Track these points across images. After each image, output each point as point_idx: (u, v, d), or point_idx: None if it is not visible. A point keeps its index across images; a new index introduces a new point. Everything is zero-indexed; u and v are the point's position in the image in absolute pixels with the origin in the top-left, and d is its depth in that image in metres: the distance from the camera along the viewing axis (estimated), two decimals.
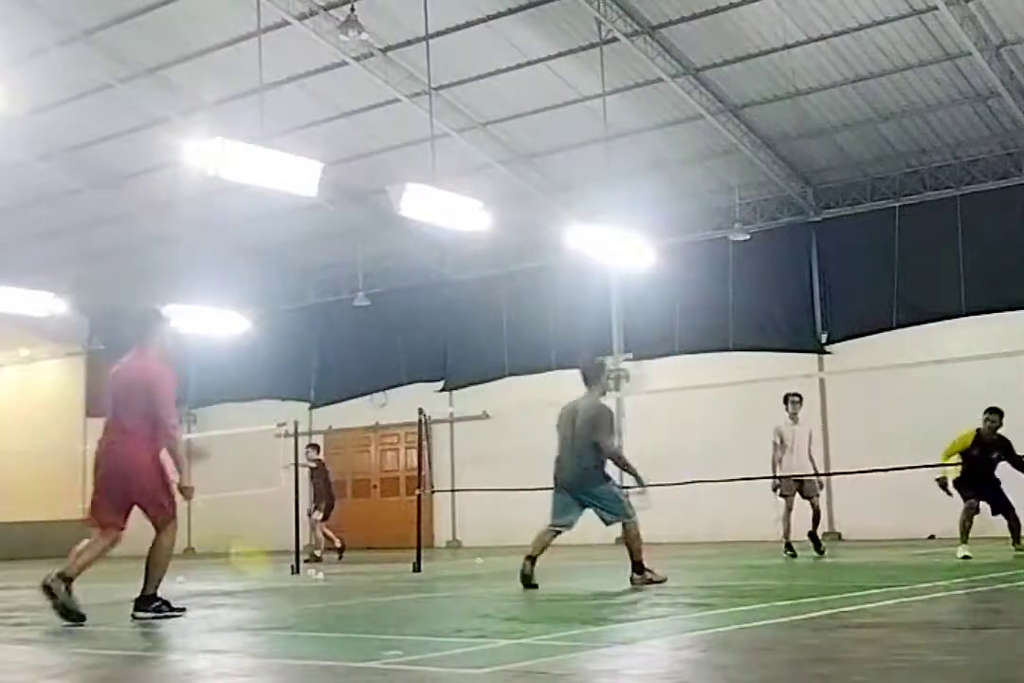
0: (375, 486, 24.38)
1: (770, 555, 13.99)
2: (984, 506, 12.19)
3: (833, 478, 16.41)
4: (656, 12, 16.32)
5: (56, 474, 27.06)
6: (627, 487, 9.74)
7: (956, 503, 12.13)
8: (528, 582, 9.30)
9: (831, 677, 4.45)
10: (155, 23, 17.11)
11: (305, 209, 20.63)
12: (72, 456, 26.88)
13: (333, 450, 23.62)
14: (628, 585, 9.20)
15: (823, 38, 16.39)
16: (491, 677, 4.60)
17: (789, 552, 13.54)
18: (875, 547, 15.63)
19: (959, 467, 12.19)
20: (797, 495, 13.74)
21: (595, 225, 17.40)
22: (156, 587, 7.54)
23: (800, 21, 16.07)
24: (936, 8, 15.08)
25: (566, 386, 22.03)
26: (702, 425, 19.46)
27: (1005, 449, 12.15)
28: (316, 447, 18.89)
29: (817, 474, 14.11)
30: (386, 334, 23.66)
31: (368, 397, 24.12)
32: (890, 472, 13.01)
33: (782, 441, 13.79)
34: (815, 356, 19.58)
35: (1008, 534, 12.33)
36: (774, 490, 13.78)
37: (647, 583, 9.18)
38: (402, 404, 20.28)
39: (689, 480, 13.69)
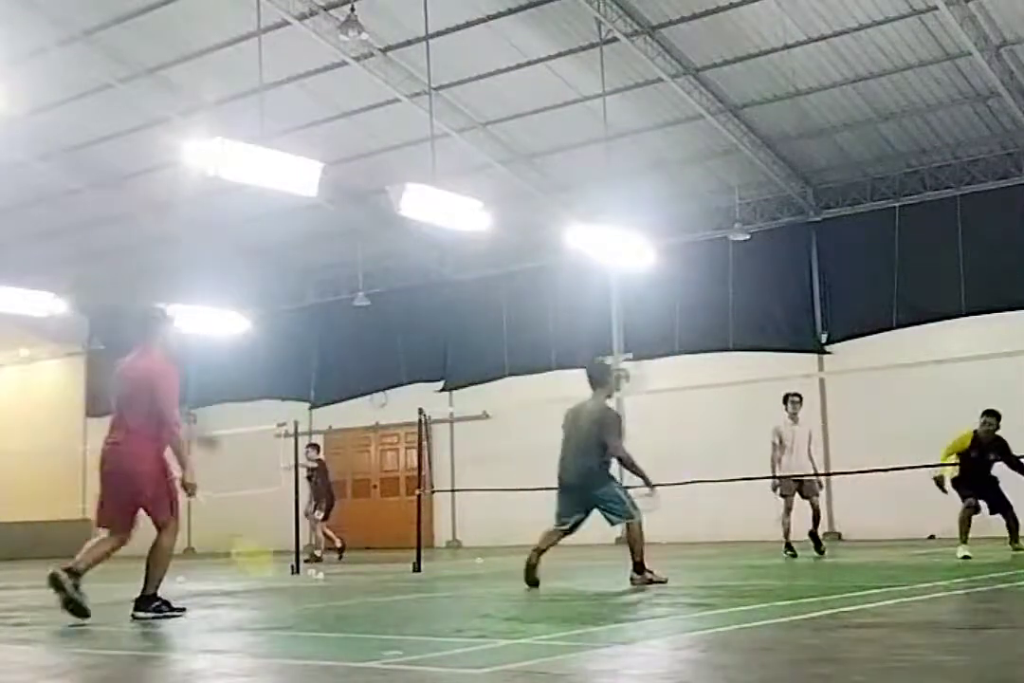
0: (375, 486, 24.38)
1: (770, 555, 13.99)
2: (983, 506, 12.19)
3: (833, 478, 16.42)
4: (656, 12, 16.33)
5: (56, 474, 27.09)
6: (630, 487, 9.73)
7: (956, 503, 12.13)
8: (532, 573, 9.36)
9: (831, 677, 4.45)
10: (155, 23, 17.12)
11: (305, 209, 20.64)
12: (72, 456, 26.93)
13: (333, 450, 23.62)
14: (628, 585, 9.20)
15: (823, 38, 16.40)
16: (491, 677, 4.59)
17: (789, 552, 13.54)
18: (875, 547, 15.63)
19: (957, 467, 12.20)
20: (797, 495, 13.75)
21: (595, 225, 17.41)
22: (156, 587, 7.54)
23: (800, 21, 16.08)
24: (936, 8, 15.08)
25: (566, 386, 22.02)
26: (702, 425, 19.46)
27: (1001, 450, 12.16)
28: (316, 447, 18.90)
29: (817, 474, 14.11)
30: (386, 334, 23.67)
31: (368, 397, 24.13)
32: (890, 472, 13.01)
33: (781, 441, 13.79)
34: (815, 356, 19.58)
35: (1006, 533, 12.34)
36: (773, 490, 13.78)
37: (647, 583, 9.17)
38: (402, 404, 20.27)
39: (689, 480, 13.68)
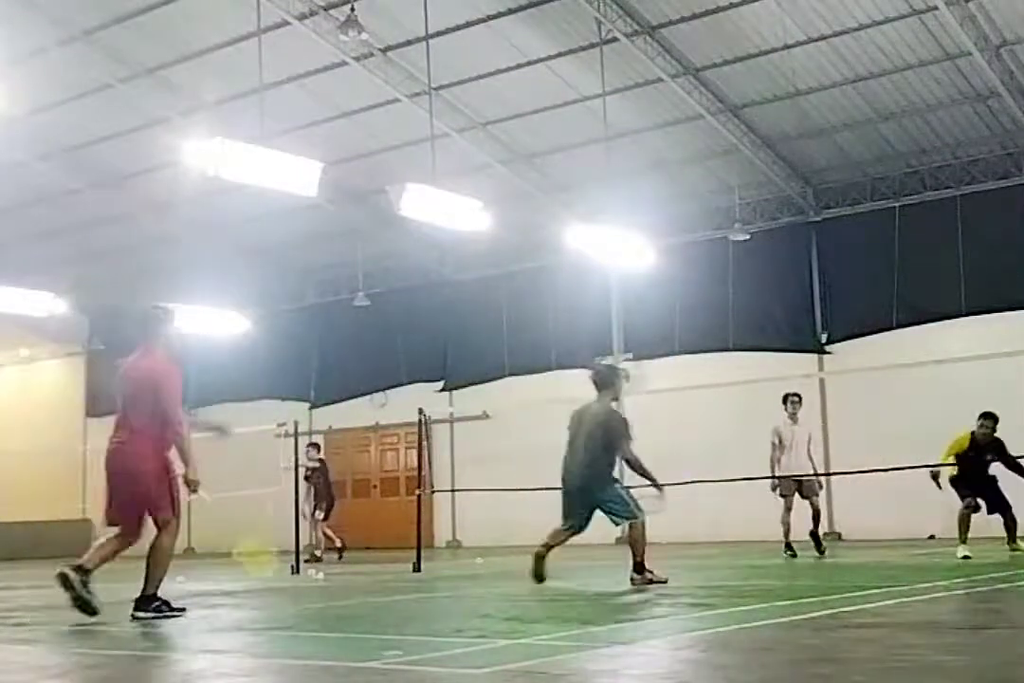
0: (375, 486, 24.38)
1: (770, 555, 13.99)
2: (983, 505, 12.20)
3: (833, 478, 16.42)
4: (656, 12, 16.33)
5: (56, 474, 27.11)
6: (633, 487, 9.73)
7: (955, 503, 12.14)
8: (539, 566, 9.41)
9: (831, 677, 4.45)
10: (155, 23, 17.12)
11: (305, 209, 20.63)
12: (72, 456, 26.96)
13: (333, 450, 23.62)
14: (628, 585, 9.20)
15: (823, 38, 16.40)
16: (491, 677, 4.60)
17: (789, 552, 13.55)
18: (875, 547, 15.64)
19: (955, 467, 12.21)
20: (796, 495, 13.75)
21: (595, 225, 17.41)
22: (156, 587, 7.54)
23: (800, 21, 16.08)
24: (936, 8, 15.08)
25: (566, 386, 22.08)
26: (702, 425, 19.46)
27: (998, 450, 12.18)
28: (317, 446, 18.90)
29: (817, 474, 14.11)
30: (386, 334, 23.66)
31: (368, 397, 24.12)
32: (890, 472, 13.01)
33: (780, 441, 13.80)
34: (815, 356, 19.58)
35: (1005, 534, 12.35)
36: (773, 490, 13.79)
37: (647, 583, 9.18)
38: (402, 404, 20.27)
39: (689, 480, 13.68)
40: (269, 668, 5.32)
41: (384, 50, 17.56)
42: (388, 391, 23.72)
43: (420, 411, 13.73)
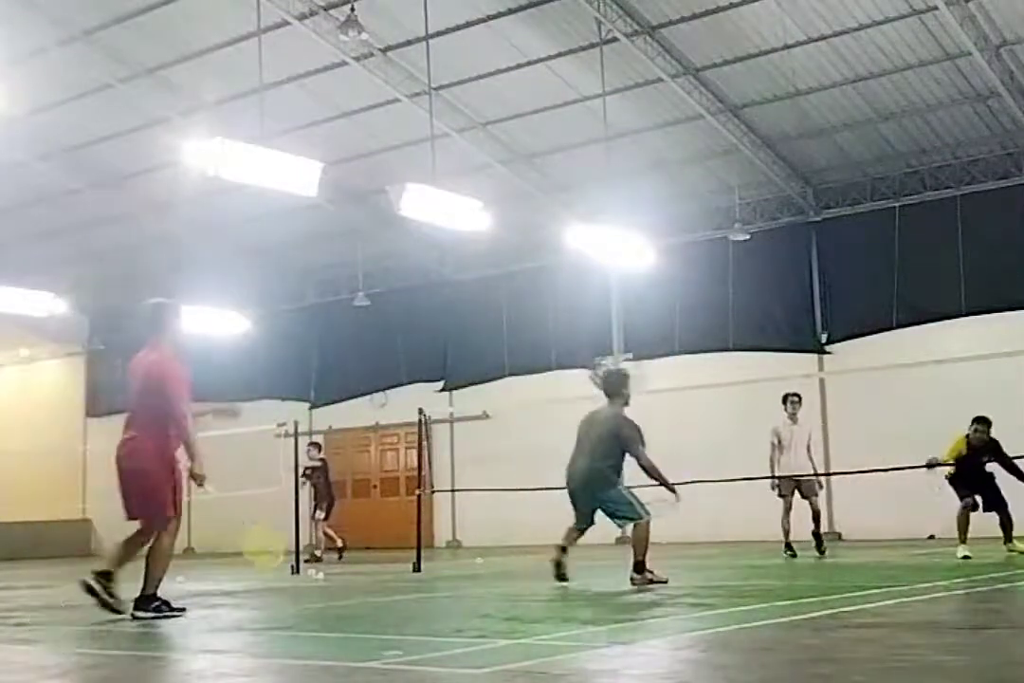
0: (375, 486, 24.38)
1: (770, 555, 14.00)
2: (980, 503, 12.21)
3: (833, 478, 16.41)
4: (656, 12, 16.33)
5: (56, 474, 27.11)
6: (633, 487, 9.75)
7: (955, 503, 12.14)
8: (559, 570, 9.49)
9: (831, 677, 4.45)
10: (155, 23, 17.12)
11: (305, 209, 20.63)
12: (72, 456, 26.96)
13: (333, 450, 23.58)
14: (628, 585, 9.20)
15: (823, 38, 16.39)
16: (491, 677, 4.60)
17: (789, 552, 13.55)
18: (875, 547, 15.63)
19: (952, 467, 12.23)
20: (796, 495, 13.75)
21: (595, 225, 17.40)
22: (156, 587, 7.55)
23: (800, 21, 16.07)
24: (936, 8, 15.08)
25: (566, 386, 22.08)
26: (702, 425, 19.45)
27: (995, 451, 12.19)
28: (318, 446, 18.88)
29: (816, 474, 14.11)
30: (386, 334, 23.66)
31: (368, 397, 24.12)
32: (890, 472, 13.02)
33: (780, 441, 13.80)
34: (815, 356, 19.58)
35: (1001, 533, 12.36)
36: (773, 489, 13.80)
37: (647, 583, 9.18)
38: (402, 404, 20.27)
39: (689, 480, 13.67)
40: (269, 668, 5.33)
41: (384, 50, 17.56)
42: (388, 391, 23.72)
43: (420, 411, 13.73)
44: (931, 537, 16.86)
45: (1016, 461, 12.09)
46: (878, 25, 15.99)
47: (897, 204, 19.15)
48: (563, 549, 9.61)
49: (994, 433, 12.32)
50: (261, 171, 13.07)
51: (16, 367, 29.71)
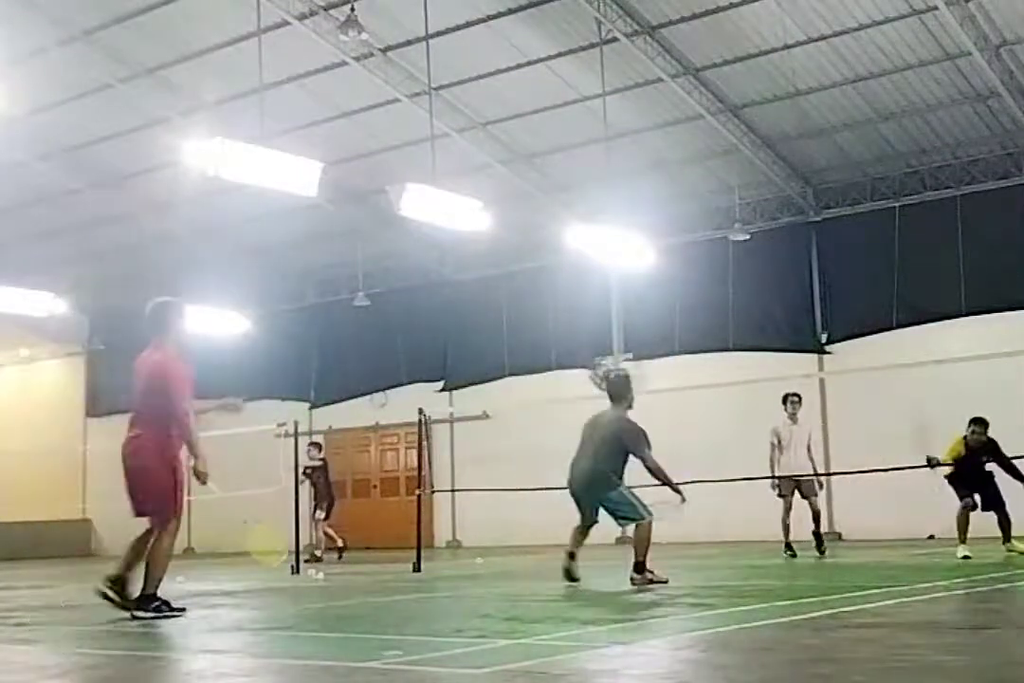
0: (375, 486, 24.38)
1: (770, 555, 14.00)
2: (979, 501, 12.22)
3: (833, 478, 16.41)
4: (656, 12, 16.33)
5: (56, 474, 27.11)
6: (633, 488, 9.77)
7: (955, 503, 12.14)
8: (570, 576, 9.54)
9: (831, 677, 4.45)
10: (155, 23, 17.12)
11: (305, 209, 20.63)
12: (72, 456, 26.96)
13: (333, 450, 23.57)
14: (628, 585, 9.21)
15: (823, 38, 16.39)
16: (491, 677, 4.60)
17: (789, 552, 13.55)
18: (875, 547, 15.64)
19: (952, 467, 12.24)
20: (796, 495, 13.76)
21: (595, 225, 17.40)
22: (156, 587, 7.56)
23: (800, 21, 16.07)
24: (936, 8, 15.08)
25: (566, 386, 22.05)
26: (702, 425, 19.45)
27: (993, 451, 12.20)
28: (319, 446, 18.87)
29: (816, 474, 14.11)
30: (386, 334, 23.66)
31: (368, 397, 24.12)
32: (890, 472, 13.02)
33: (779, 441, 13.81)
34: (815, 356, 19.58)
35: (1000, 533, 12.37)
36: (773, 489, 13.80)
37: (647, 583, 9.19)
38: (402, 404, 20.27)
39: (689, 480, 13.68)
40: (269, 668, 5.33)
41: (384, 50, 17.56)
42: (388, 391, 23.72)
43: (420, 411, 13.73)
44: (931, 537, 16.86)
45: (1015, 461, 12.10)
46: (878, 25, 15.99)
47: (897, 204, 19.15)
48: (571, 555, 9.68)
49: (994, 433, 12.33)
50: (261, 171, 13.07)
51: (16, 367, 29.72)
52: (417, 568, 12.65)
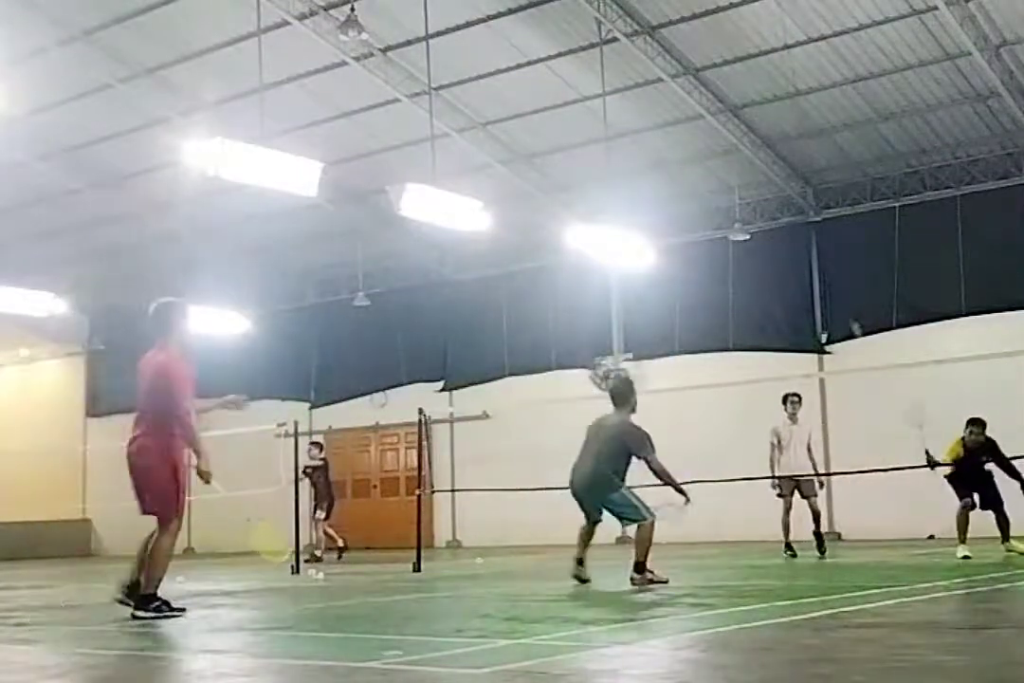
0: (375, 486, 24.38)
1: (770, 555, 14.00)
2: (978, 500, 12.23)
3: (833, 478, 16.41)
4: (656, 12, 16.33)
5: (56, 474, 27.11)
6: (633, 488, 9.80)
7: (955, 503, 12.14)
8: (581, 577, 9.65)
9: (831, 677, 4.45)
10: (155, 23, 17.12)
11: (305, 209, 20.63)
12: (72, 456, 26.96)
13: (333, 450, 23.54)
14: (628, 585, 9.21)
15: (823, 38, 16.39)
16: (491, 677, 4.60)
17: (789, 552, 13.55)
18: (875, 547, 15.64)
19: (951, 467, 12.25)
20: (796, 495, 13.76)
21: (595, 225, 17.40)
22: (156, 587, 7.56)
23: (800, 21, 16.07)
24: (936, 8, 15.08)
25: (566, 386, 22.06)
26: (702, 425, 19.45)
27: (992, 451, 12.21)
28: (320, 446, 18.86)
29: (816, 474, 14.11)
30: (386, 334, 23.66)
31: (368, 397, 24.12)
32: (890, 472, 13.01)
33: (779, 441, 13.82)
34: (815, 356, 19.58)
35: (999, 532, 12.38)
36: (774, 489, 13.80)
37: (647, 583, 9.20)
38: (402, 404, 20.27)
39: (689, 480, 13.68)
40: (269, 668, 5.33)
41: (384, 50, 17.56)
42: (388, 391, 23.72)
43: (420, 411, 13.73)
44: (931, 537, 16.86)
45: (1014, 461, 12.11)
46: (878, 25, 15.98)
47: (897, 204, 19.15)
48: (580, 561, 9.76)
49: (994, 433, 12.34)
50: (261, 171, 13.07)
51: (16, 367, 29.72)
52: (417, 568, 12.65)
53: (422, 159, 16.05)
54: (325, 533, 18.22)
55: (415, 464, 16.39)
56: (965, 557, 11.54)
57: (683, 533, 18.02)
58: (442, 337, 23.31)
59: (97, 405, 27.59)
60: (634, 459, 9.67)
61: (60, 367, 29.13)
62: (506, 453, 20.73)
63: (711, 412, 19.23)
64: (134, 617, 7.40)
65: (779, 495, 13.74)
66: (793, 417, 13.99)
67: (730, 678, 4.54)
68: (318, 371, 25.03)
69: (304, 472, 17.20)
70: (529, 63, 17.60)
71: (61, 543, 25.92)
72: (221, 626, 7.38)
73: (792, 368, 18.43)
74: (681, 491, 9.55)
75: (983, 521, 12.30)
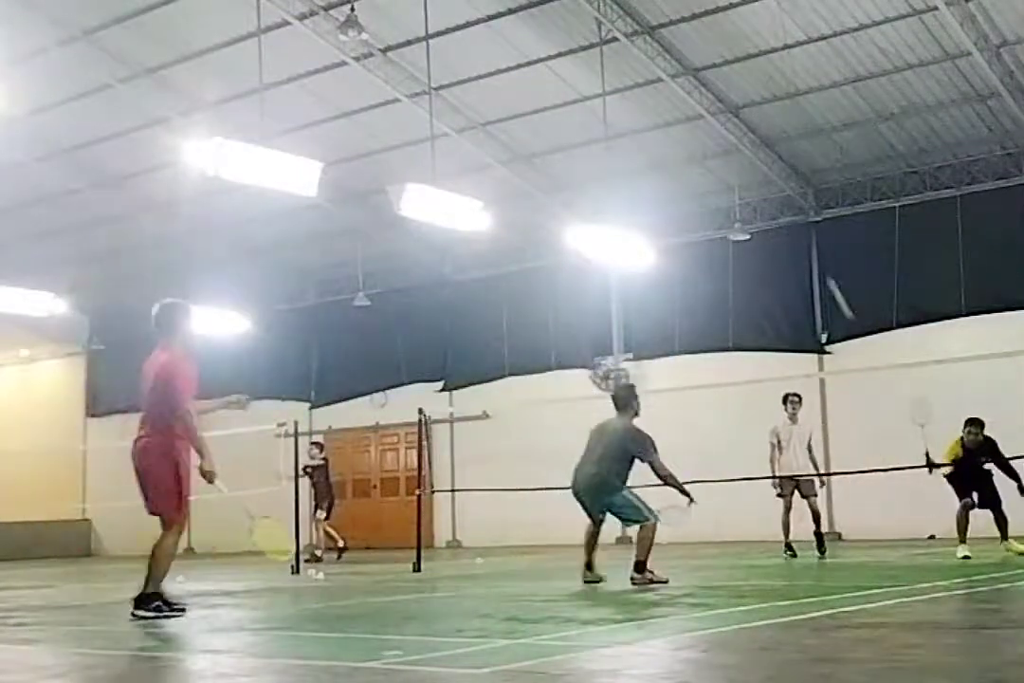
0: (375, 486, 24.38)
1: (770, 555, 14.00)
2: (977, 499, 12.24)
3: (833, 478, 16.41)
4: (656, 12, 16.32)
5: (56, 474, 27.11)
6: (634, 489, 9.83)
7: (955, 504, 12.15)
8: (591, 576, 9.74)
9: (831, 677, 4.45)
10: (155, 23, 17.11)
11: (305, 209, 20.63)
12: (72, 456, 26.97)
13: (333, 450, 23.58)
14: (628, 585, 9.21)
15: (823, 38, 16.39)
16: (491, 677, 4.60)
17: (789, 552, 13.55)
18: (875, 547, 15.64)
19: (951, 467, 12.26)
20: (796, 495, 13.76)
21: (595, 225, 17.40)
22: (157, 586, 7.57)
23: (800, 21, 16.07)
24: (936, 8, 15.08)
25: (566, 386, 22.05)
26: (702, 425, 19.44)
27: (991, 451, 12.21)
28: (320, 446, 18.87)
29: (816, 474, 14.11)
30: (386, 334, 23.66)
31: (368, 397, 24.12)
32: (890, 472, 13.02)
33: (779, 441, 13.82)
34: (815, 356, 19.58)
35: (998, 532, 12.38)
36: (775, 488, 13.81)
37: (648, 583, 9.22)
38: (402, 404, 20.28)
39: (689, 480, 13.68)
40: (269, 668, 5.33)
41: (384, 50, 17.56)
42: (388, 391, 23.72)
43: (420, 411, 13.74)
44: (931, 537, 16.86)
45: (1014, 461, 12.11)
46: (878, 25, 15.98)
47: (897, 204, 19.15)
48: (588, 566, 9.82)
49: (994, 433, 12.35)
50: (261, 171, 13.06)
51: (16, 367, 29.72)
52: (417, 568, 12.65)
53: (422, 159, 16.05)
54: (325, 533, 18.23)
55: (415, 464, 16.39)
56: (965, 557, 11.54)
57: (683, 533, 18.02)
58: (442, 337, 23.31)
59: (97, 405, 27.60)
60: (637, 461, 9.72)
61: (60, 367, 29.14)
62: (506, 453, 20.73)
63: (711, 412, 19.22)
64: (134, 616, 7.41)
65: (779, 495, 13.74)
66: (793, 417, 13.99)
67: (730, 678, 4.54)
68: (318, 371, 25.04)
69: (304, 471, 17.19)
70: (529, 63, 17.59)
71: (61, 543, 25.92)
72: (221, 626, 7.38)
73: (792, 368, 18.43)
74: (686, 493, 9.60)
75: (983, 521, 12.31)
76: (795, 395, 14.10)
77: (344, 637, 6.57)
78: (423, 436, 14.50)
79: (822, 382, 18.96)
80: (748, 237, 19.79)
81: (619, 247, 17.55)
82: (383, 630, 6.68)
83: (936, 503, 12.95)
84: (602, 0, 15.92)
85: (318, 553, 17.76)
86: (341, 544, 18.11)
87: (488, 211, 15.72)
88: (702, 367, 19.51)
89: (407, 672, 4.83)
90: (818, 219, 19.90)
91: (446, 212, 15.12)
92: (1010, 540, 12.23)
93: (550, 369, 21.64)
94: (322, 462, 18.26)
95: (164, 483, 7.61)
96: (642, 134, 19.06)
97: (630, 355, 21.25)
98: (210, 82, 17.80)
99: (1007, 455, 12.19)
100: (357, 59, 17.41)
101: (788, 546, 13.60)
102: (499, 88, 18.29)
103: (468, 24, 16.75)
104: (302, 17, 16.37)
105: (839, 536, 18.59)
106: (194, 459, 7.73)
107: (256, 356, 24.15)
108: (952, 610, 7.35)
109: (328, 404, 24.64)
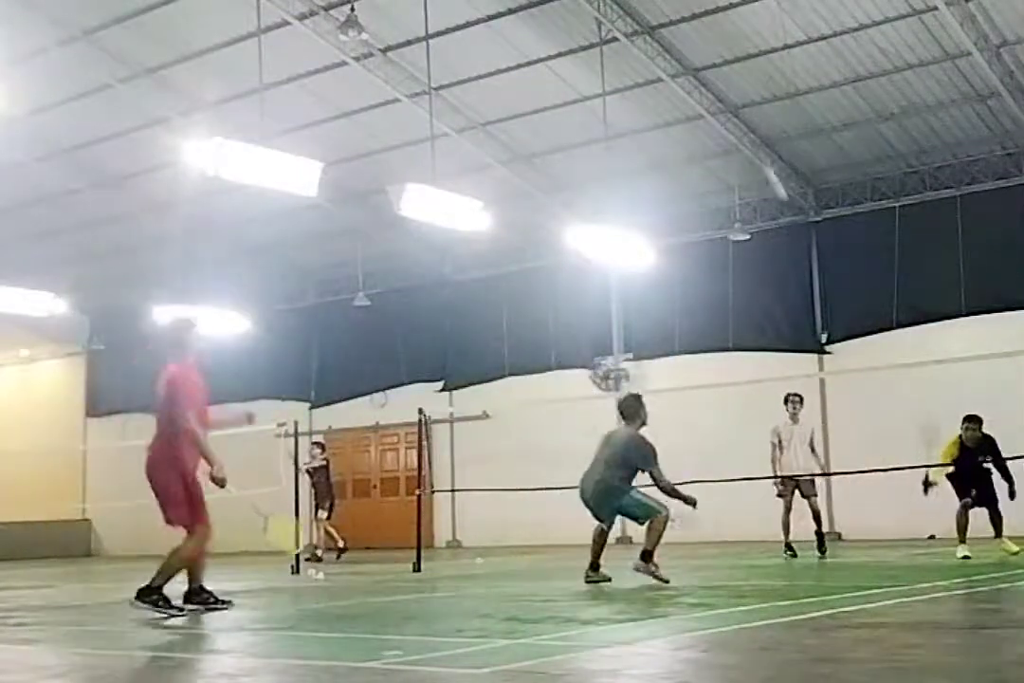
0: (375, 486, 24.38)
1: (770, 555, 14.00)
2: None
3: (833, 478, 16.42)
4: (656, 12, 16.32)
5: (56, 474, 27.11)
6: (639, 488, 9.89)
7: (955, 504, 12.15)
8: (597, 577, 9.73)
9: (831, 677, 4.45)
10: (155, 23, 17.11)
11: (305, 209, 20.63)
12: (72, 456, 26.97)
13: (333, 450, 23.59)
14: (629, 585, 9.22)
15: (823, 38, 16.39)
16: (491, 677, 4.60)
17: (789, 552, 13.55)
18: (875, 547, 15.64)
19: (949, 467, 12.27)
20: (796, 495, 13.76)
21: (595, 225, 17.40)
22: (163, 583, 7.68)
23: (800, 21, 16.07)
24: (936, 8, 15.08)
25: (566, 386, 22.05)
26: (702, 425, 19.44)
27: (991, 449, 12.22)
28: (322, 446, 18.86)
29: (819, 474, 14.11)
30: (386, 334, 23.66)
31: (368, 397, 24.12)
32: (890, 472, 13.02)
33: (780, 441, 13.83)
34: (815, 356, 19.57)
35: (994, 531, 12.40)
36: (775, 487, 13.81)
37: (647, 573, 9.36)
38: (402, 404, 20.27)
39: (689, 480, 13.69)
40: (270, 668, 5.33)
41: (384, 50, 17.56)
42: (388, 391, 23.72)
43: (420, 411, 13.73)
44: (931, 537, 16.86)
45: (1015, 461, 12.11)
46: (878, 25, 15.98)
47: (897, 204, 19.15)
48: (595, 567, 9.82)
49: (995, 433, 12.35)
50: (261, 171, 13.06)
51: (16, 367, 29.72)
52: (417, 568, 12.65)
53: (422, 159, 16.05)
54: (326, 532, 18.23)
55: (415, 464, 16.38)
56: (965, 557, 11.54)
57: (683, 533, 18.09)
58: (442, 337, 23.31)
59: (97, 405, 27.60)
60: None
61: (60, 367, 29.14)
62: (506, 453, 20.73)
63: (711, 412, 19.23)
64: (132, 603, 7.53)
65: (779, 495, 13.75)
66: (794, 417, 13.99)
67: (730, 678, 4.54)
68: (318, 371, 25.04)
69: (305, 471, 17.21)
70: (529, 63, 17.59)
71: (61, 543, 25.92)
72: (221, 626, 7.38)
73: (792, 368, 18.43)
74: (687, 501, 9.65)
75: (983, 521, 12.31)
76: (796, 395, 14.10)
77: (344, 637, 6.57)
78: (423, 436, 14.49)
79: (822, 382, 18.96)
80: (748, 237, 19.78)
81: (619, 247, 17.55)
82: (383, 630, 6.68)
83: (936, 503, 12.93)
84: (602, 0, 15.92)
85: (319, 553, 17.77)
86: (341, 544, 18.11)
87: (488, 211, 15.72)
88: (702, 367, 19.50)
89: (407, 672, 4.83)
90: (818, 219, 19.90)
91: (446, 212, 15.12)
92: (1004, 538, 12.24)
93: (550, 369, 21.64)
94: (323, 462, 18.26)
95: (173, 494, 7.74)
96: (642, 134, 19.06)
97: (630, 355, 21.25)
98: (210, 82, 17.80)
99: (1007, 455, 12.19)
100: (357, 59, 17.41)
101: (788, 546, 13.60)
102: (499, 88, 18.29)
103: (468, 24, 16.75)
104: (302, 17, 16.38)
105: (839, 536, 18.59)
106: (204, 467, 7.80)
107: (256, 356, 24.14)
108: (952, 610, 7.35)
109: (328, 404, 24.64)
